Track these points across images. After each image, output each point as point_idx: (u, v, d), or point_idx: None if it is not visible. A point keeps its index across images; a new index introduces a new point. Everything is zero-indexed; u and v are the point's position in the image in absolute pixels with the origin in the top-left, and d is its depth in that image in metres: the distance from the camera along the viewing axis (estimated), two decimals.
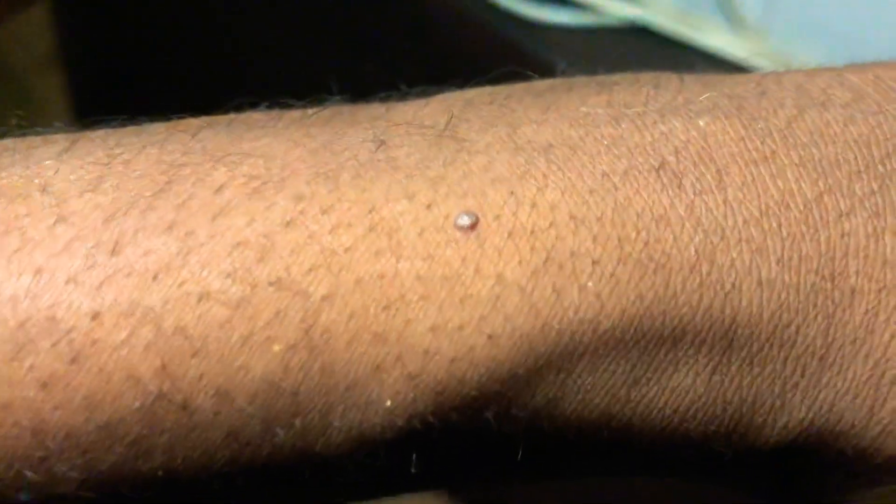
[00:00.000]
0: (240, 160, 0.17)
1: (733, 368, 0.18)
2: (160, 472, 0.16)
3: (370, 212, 0.17)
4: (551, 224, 0.17)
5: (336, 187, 0.17)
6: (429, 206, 0.17)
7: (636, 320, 0.17)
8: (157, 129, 0.19)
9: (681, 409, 0.18)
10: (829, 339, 0.18)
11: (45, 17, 0.75)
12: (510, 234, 0.17)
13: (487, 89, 0.20)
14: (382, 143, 0.18)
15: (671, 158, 0.18)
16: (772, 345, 0.18)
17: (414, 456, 0.17)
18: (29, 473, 0.16)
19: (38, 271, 0.16)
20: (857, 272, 0.18)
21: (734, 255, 0.17)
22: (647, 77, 0.20)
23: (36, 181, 0.17)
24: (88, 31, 0.77)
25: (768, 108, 0.19)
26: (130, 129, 0.19)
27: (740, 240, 0.17)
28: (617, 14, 0.43)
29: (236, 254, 0.16)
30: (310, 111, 0.19)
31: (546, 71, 0.43)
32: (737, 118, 0.18)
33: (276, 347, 0.16)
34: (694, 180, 0.17)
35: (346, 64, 0.55)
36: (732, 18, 0.41)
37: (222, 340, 0.16)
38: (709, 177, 0.18)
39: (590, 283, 0.17)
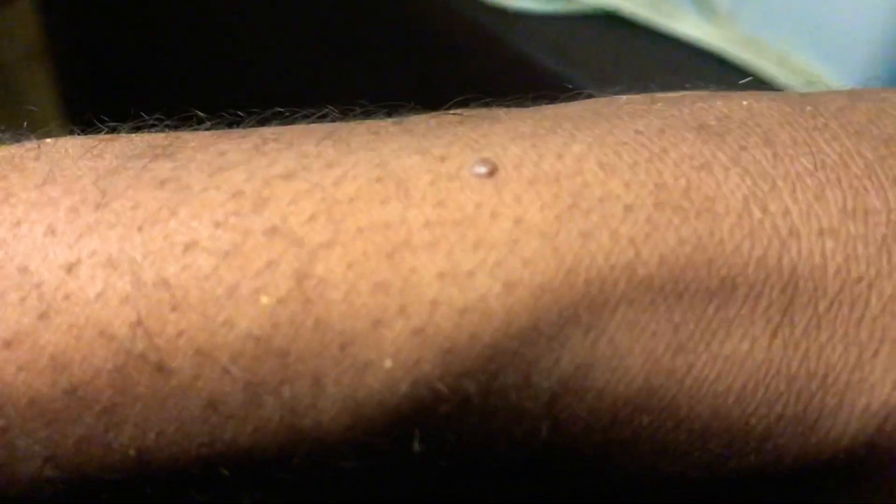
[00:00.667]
0: (247, 134, 0.16)
1: (797, 332, 0.15)
2: (132, 451, 0.15)
3: (378, 165, 0.15)
4: (578, 172, 0.15)
5: (346, 146, 0.16)
6: (442, 159, 0.15)
7: (678, 269, 0.15)
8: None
9: (736, 385, 0.15)
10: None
11: (31, 10, 0.75)
12: (531, 182, 0.15)
13: (512, 110, 0.19)
14: (398, 122, 0.17)
15: (713, 122, 0.16)
16: (841, 303, 0.15)
17: (417, 444, 0.15)
18: None
19: (17, 223, 0.15)
20: None
21: (789, 201, 0.15)
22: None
23: (32, 152, 0.16)
24: (75, 24, 0.77)
25: (818, 97, 0.17)
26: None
27: (794, 188, 0.15)
28: (589, 1, 0.42)
29: (230, 203, 0.15)
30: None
31: (516, 59, 0.43)
32: (784, 101, 0.17)
33: (265, 300, 0.15)
34: (738, 137, 0.16)
35: (322, 49, 0.54)
36: (703, 6, 0.41)
37: (206, 292, 0.15)
38: (755, 137, 0.16)
39: (622, 228, 0.15)
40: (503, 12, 0.42)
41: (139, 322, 0.14)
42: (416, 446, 0.15)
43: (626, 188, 0.15)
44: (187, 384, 0.15)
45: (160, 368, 0.14)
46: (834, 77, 0.40)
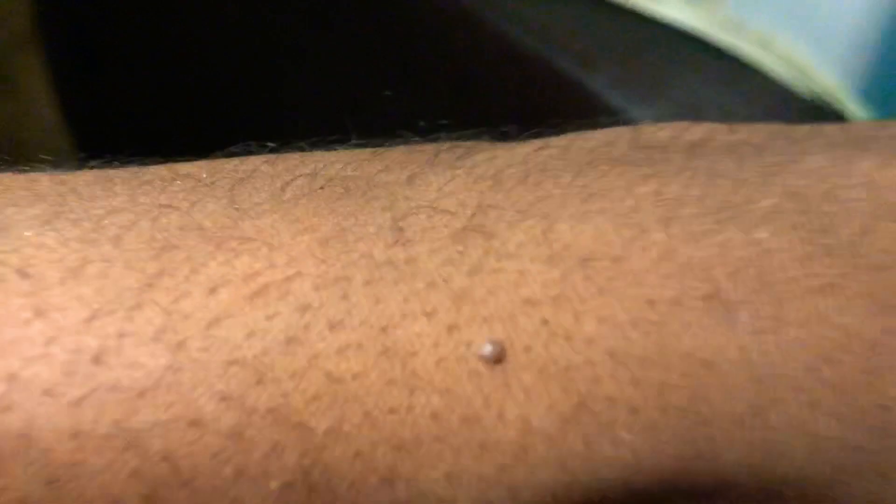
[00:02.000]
0: (239, 248, 0.16)
1: None
2: None
3: (383, 331, 0.15)
4: (587, 361, 0.15)
5: (346, 295, 0.15)
6: (450, 330, 0.15)
7: (671, 480, 0.15)
8: (151, 188, 0.17)
9: None
10: (882, 496, 0.16)
11: None
12: (540, 372, 0.15)
13: (519, 154, 0.18)
14: (401, 232, 0.16)
15: (726, 285, 0.16)
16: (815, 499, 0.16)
17: None
18: None
19: (12, 378, 0.15)
20: None
21: (788, 410, 0.15)
22: (700, 160, 0.17)
23: (14, 259, 0.15)
24: (66, 9, 0.77)
25: (837, 216, 0.16)
26: (121, 187, 0.17)
27: (795, 391, 0.15)
28: None
29: (231, 374, 0.15)
30: (319, 174, 0.17)
31: (498, 40, 0.43)
32: (801, 230, 0.16)
33: (273, 484, 0.15)
34: (750, 315, 0.16)
35: (300, 31, 0.54)
36: None
37: (214, 472, 0.15)
38: (766, 309, 0.16)
39: (626, 435, 0.15)
40: None
41: (148, 497, 0.14)
42: None
43: (634, 387, 0.15)
44: None
45: None
46: (817, 60, 0.40)
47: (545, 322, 0.15)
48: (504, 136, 0.20)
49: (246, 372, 0.15)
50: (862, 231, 0.16)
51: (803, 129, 0.19)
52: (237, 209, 0.16)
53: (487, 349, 0.15)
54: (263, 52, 0.61)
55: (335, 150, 0.19)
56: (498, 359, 0.15)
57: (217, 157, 0.19)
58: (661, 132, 0.19)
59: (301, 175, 0.17)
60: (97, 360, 0.15)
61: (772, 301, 0.16)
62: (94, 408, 0.15)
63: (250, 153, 0.19)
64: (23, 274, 0.15)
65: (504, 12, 0.42)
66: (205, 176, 0.17)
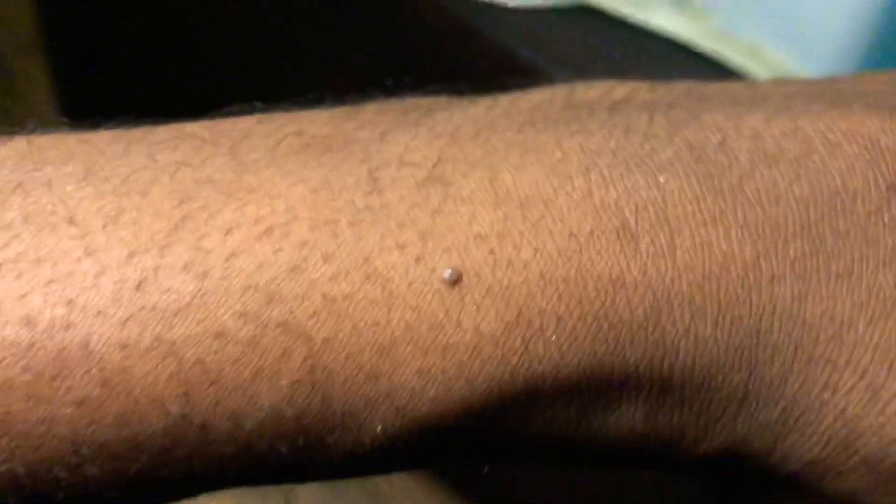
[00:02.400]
0: (246, 197, 0.19)
1: (666, 408, 0.20)
2: (179, 477, 0.19)
3: (365, 261, 0.18)
4: (524, 281, 0.19)
5: (335, 234, 0.19)
6: (417, 259, 0.19)
7: (589, 370, 0.19)
8: (164, 147, 0.20)
9: (621, 436, 0.20)
10: (749, 387, 0.20)
11: (27, 1, 0.76)
12: (488, 291, 0.19)
13: (472, 113, 0.22)
14: (376, 182, 0.19)
15: (631, 219, 0.19)
16: (700, 391, 0.20)
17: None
18: (65, 475, 0.18)
19: (71, 303, 0.18)
20: (778, 330, 0.19)
21: (676, 316, 0.19)
22: (619, 116, 0.21)
23: (61, 211, 0.19)
24: (70, 15, 0.78)
25: (724, 164, 0.20)
26: (138, 146, 0.20)
27: (683, 303, 0.19)
28: None
29: (247, 296, 0.18)
30: (305, 132, 0.21)
31: (494, 51, 0.43)
32: (694, 175, 0.20)
33: (284, 381, 0.18)
34: (649, 242, 0.19)
35: (296, 38, 0.55)
36: None
37: (237, 373, 0.18)
38: (662, 238, 0.19)
39: (553, 337, 0.19)
40: (480, 5, 0.43)
41: (185, 394, 0.18)
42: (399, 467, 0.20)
43: (559, 300, 0.19)
44: (224, 438, 0.18)
45: (202, 427, 0.18)
46: (804, 69, 0.41)
47: (492, 252, 0.19)
48: (459, 94, 0.23)
49: (259, 294, 0.18)
50: (744, 175, 0.20)
51: (713, 88, 0.23)
52: (240, 164, 0.20)
53: (447, 274, 0.19)
54: (262, 55, 0.62)
55: (315, 109, 0.23)
56: (455, 281, 0.19)
57: (215, 116, 0.22)
58: (592, 91, 0.22)
59: (290, 134, 0.21)
60: (138, 287, 0.18)
61: (667, 232, 0.19)
62: (138, 325, 0.18)
63: (242, 113, 0.23)
64: (71, 221, 0.18)
65: (499, 22, 0.43)
66: (207, 135, 0.21)
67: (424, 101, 0.22)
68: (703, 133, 0.20)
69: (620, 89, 0.22)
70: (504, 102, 0.22)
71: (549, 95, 0.22)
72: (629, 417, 0.20)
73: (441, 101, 0.22)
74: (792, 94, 0.22)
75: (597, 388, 0.20)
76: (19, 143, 0.20)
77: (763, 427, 0.20)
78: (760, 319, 0.19)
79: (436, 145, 0.20)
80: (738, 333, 0.19)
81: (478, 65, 0.43)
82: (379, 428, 0.19)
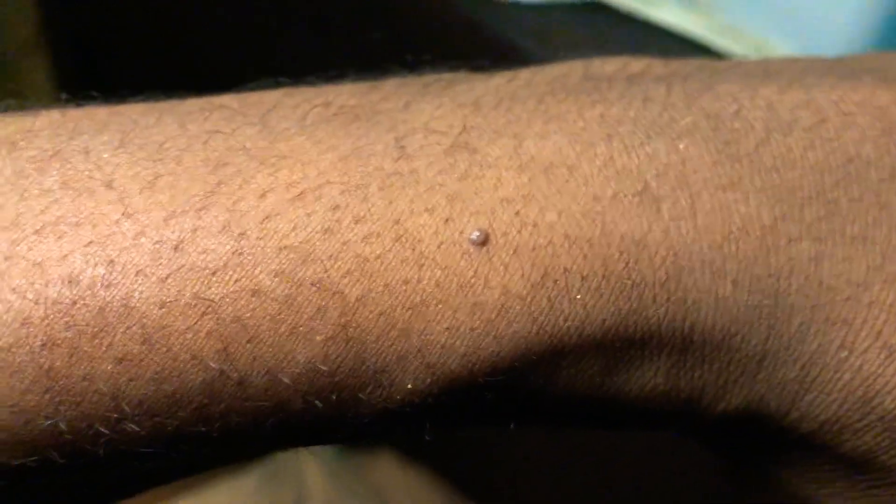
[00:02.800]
0: (279, 163, 0.19)
1: (687, 366, 0.21)
2: (215, 434, 0.19)
3: (396, 223, 0.19)
4: (549, 242, 0.19)
5: (366, 198, 0.19)
6: (446, 221, 0.19)
7: (612, 328, 0.20)
8: (196, 116, 0.20)
9: (643, 394, 0.21)
10: (768, 346, 0.20)
11: (29, 1, 0.76)
12: (515, 251, 0.19)
13: (493, 84, 0.22)
14: (403, 149, 0.20)
15: (653, 183, 0.20)
16: (720, 349, 0.20)
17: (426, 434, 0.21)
18: (105, 430, 0.18)
19: (111, 262, 0.18)
20: (796, 291, 0.20)
21: (697, 276, 0.20)
22: (637, 87, 0.22)
23: (98, 176, 0.19)
24: (72, 14, 0.78)
25: (740, 131, 0.20)
26: (169, 116, 0.20)
27: (703, 263, 0.20)
28: None
29: (283, 256, 0.18)
30: (332, 103, 0.21)
31: (503, 47, 0.43)
32: (712, 142, 0.20)
33: (319, 338, 0.19)
34: (670, 205, 0.20)
35: (302, 30, 0.55)
36: None
37: (273, 330, 0.18)
38: (683, 202, 0.20)
39: (578, 296, 0.19)
40: (489, 1, 0.43)
41: (223, 349, 0.18)
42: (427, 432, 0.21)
43: (584, 260, 0.19)
44: (260, 394, 0.19)
45: (240, 383, 0.19)
46: None
47: (517, 214, 0.19)
48: (479, 70, 0.24)
49: (294, 254, 0.19)
50: (759, 142, 0.20)
51: (726, 63, 0.23)
52: (271, 132, 0.20)
53: (475, 235, 0.19)
54: (265, 57, 0.62)
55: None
56: (483, 242, 0.19)
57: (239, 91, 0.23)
58: (608, 65, 0.23)
59: (317, 105, 0.21)
60: (177, 248, 0.18)
61: (688, 195, 0.20)
62: (177, 284, 0.18)
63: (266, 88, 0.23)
64: (108, 186, 0.19)
65: (507, 18, 0.43)
66: (237, 105, 0.21)
67: (445, 76, 0.23)
68: (720, 102, 0.21)
69: (636, 64, 0.23)
70: (524, 74, 0.22)
71: (567, 69, 0.23)
72: (651, 375, 0.21)
73: (461, 75, 0.23)
74: (803, 69, 0.22)
75: (620, 345, 0.20)
76: (53, 115, 0.20)
77: (781, 386, 0.21)
78: (779, 280, 0.20)
79: (460, 114, 0.21)
80: (757, 293, 0.20)
81: (481, 57, 0.43)
82: (410, 384, 0.19)
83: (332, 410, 0.19)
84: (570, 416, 0.22)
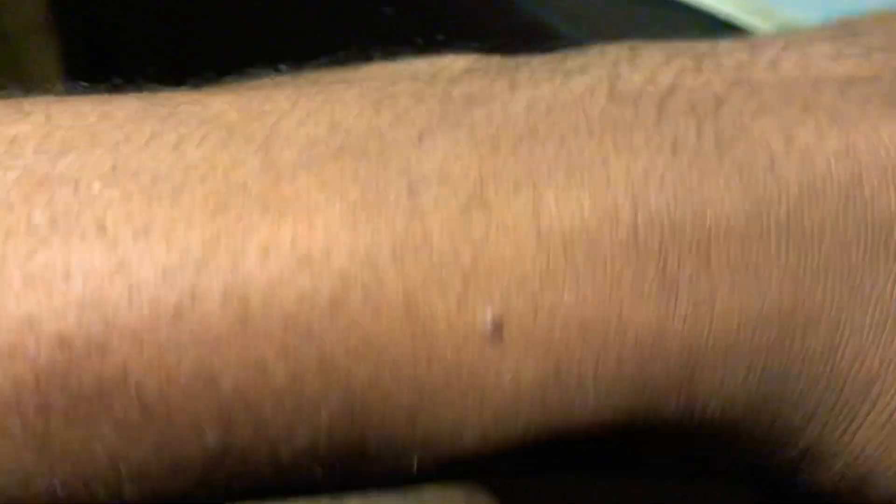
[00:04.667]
0: (283, 210, 0.18)
1: (694, 449, 0.20)
2: (218, 497, 0.19)
3: (407, 301, 0.18)
4: (564, 331, 0.18)
5: (376, 267, 0.18)
6: (459, 303, 0.18)
7: (621, 426, 0.19)
8: (192, 137, 0.19)
9: (647, 468, 0.21)
10: (772, 432, 0.20)
11: None
12: (528, 340, 0.18)
13: (513, 113, 0.20)
14: (415, 200, 0.18)
15: (674, 263, 0.19)
16: (724, 436, 0.20)
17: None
18: (103, 491, 0.18)
19: (106, 324, 0.17)
20: (807, 379, 0.19)
21: (710, 370, 0.19)
22: (666, 127, 0.20)
23: (89, 216, 0.18)
24: None
25: (773, 194, 0.19)
26: (162, 130, 0.19)
27: (717, 357, 0.19)
28: None
29: (288, 329, 0.18)
30: (339, 125, 0.20)
31: (531, 23, 0.43)
32: (742, 212, 0.19)
33: (324, 416, 0.18)
34: (690, 290, 0.19)
35: (330, 11, 0.55)
36: None
37: (277, 406, 0.18)
38: (703, 285, 0.19)
39: (591, 391, 0.19)
40: None
41: (225, 423, 0.18)
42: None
43: (598, 352, 0.18)
44: (262, 464, 0.18)
45: (241, 455, 0.18)
46: None
47: (533, 297, 0.18)
48: (500, 52, 0.22)
49: (300, 328, 0.18)
50: (791, 211, 0.19)
51: (761, 71, 0.21)
52: (274, 166, 0.19)
53: (489, 320, 0.18)
54: (280, 18, 0.61)
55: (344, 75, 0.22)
56: (496, 329, 0.18)
57: (234, 81, 0.21)
58: (637, 75, 0.21)
59: (322, 126, 0.20)
60: (175, 311, 0.17)
61: (708, 278, 0.19)
62: (177, 353, 0.17)
63: (264, 76, 0.22)
64: (101, 229, 0.17)
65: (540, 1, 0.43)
66: (235, 118, 0.20)
67: (462, 86, 0.21)
68: (754, 152, 0.19)
69: (666, 73, 0.21)
70: (546, 95, 0.21)
71: (592, 83, 0.21)
72: (655, 458, 0.21)
73: (476, 82, 0.21)
74: (849, 78, 0.21)
75: (627, 440, 0.20)
76: (38, 119, 0.19)
77: (780, 463, 0.20)
78: (790, 368, 0.19)
79: (476, 156, 0.19)
80: (767, 383, 0.19)
81: (514, 37, 0.42)
82: (414, 467, 0.19)
83: (334, 476, 0.19)
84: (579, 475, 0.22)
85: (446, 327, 0.18)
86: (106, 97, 0.20)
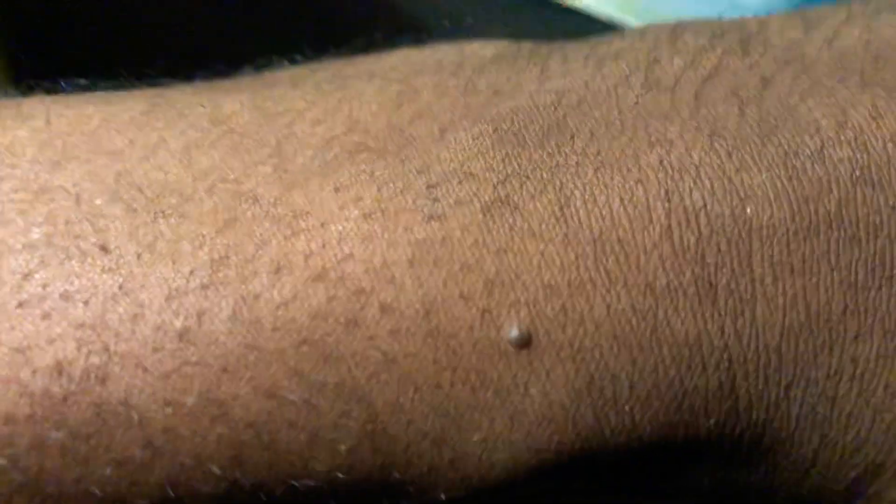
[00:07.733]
0: (295, 224, 0.17)
1: (732, 472, 0.19)
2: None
3: (427, 314, 0.17)
4: (596, 344, 0.17)
5: (393, 278, 0.17)
6: (483, 314, 0.17)
7: (660, 441, 0.18)
8: (201, 143, 0.18)
9: (683, 492, 0.19)
10: (819, 455, 0.18)
11: None
12: (558, 354, 0.17)
13: (537, 110, 0.19)
14: (435, 203, 0.17)
15: (711, 266, 0.17)
16: (767, 455, 0.18)
17: None
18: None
19: (107, 351, 0.16)
20: (857, 395, 0.18)
21: (751, 382, 0.18)
22: (705, 112, 0.19)
23: (91, 233, 0.17)
24: None
25: (822, 182, 0.17)
26: (170, 136, 0.18)
27: (758, 367, 0.17)
28: None
29: (301, 352, 0.17)
30: (357, 124, 0.19)
31: (419, 28, 0.43)
32: (787, 204, 0.17)
33: (342, 447, 0.17)
34: (729, 295, 0.17)
35: (219, 15, 0.54)
36: None
37: (291, 437, 0.17)
38: (743, 290, 0.17)
39: (626, 407, 0.17)
40: None
41: (237, 457, 0.17)
42: None
43: (632, 366, 0.17)
44: (276, 500, 0.17)
45: (254, 490, 0.17)
46: None
47: (563, 306, 0.17)
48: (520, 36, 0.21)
49: (314, 351, 0.16)
50: (843, 200, 0.17)
51: (814, 47, 0.19)
52: (286, 173, 0.18)
53: (515, 333, 0.17)
54: (222, 34, 0.61)
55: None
56: (524, 341, 0.17)
57: (245, 72, 0.20)
58: (678, 58, 0.19)
59: (339, 127, 0.18)
60: (181, 337, 0.16)
61: (749, 281, 0.17)
62: (183, 380, 0.16)
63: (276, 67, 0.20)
64: (103, 248, 0.17)
65: (423, 2, 0.42)
66: (248, 119, 0.18)
67: (489, 76, 0.20)
68: (800, 137, 0.17)
69: (710, 57, 0.19)
70: (577, 85, 0.19)
71: (626, 70, 0.19)
72: (694, 478, 0.19)
73: (504, 72, 0.20)
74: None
75: (666, 457, 0.18)
76: (36, 123, 0.18)
77: (830, 493, 0.19)
78: (838, 383, 0.18)
79: (501, 152, 0.18)
80: (812, 398, 0.18)
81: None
82: (443, 494, 0.18)
83: None
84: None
85: (470, 342, 0.17)
86: (110, 97, 0.19)
